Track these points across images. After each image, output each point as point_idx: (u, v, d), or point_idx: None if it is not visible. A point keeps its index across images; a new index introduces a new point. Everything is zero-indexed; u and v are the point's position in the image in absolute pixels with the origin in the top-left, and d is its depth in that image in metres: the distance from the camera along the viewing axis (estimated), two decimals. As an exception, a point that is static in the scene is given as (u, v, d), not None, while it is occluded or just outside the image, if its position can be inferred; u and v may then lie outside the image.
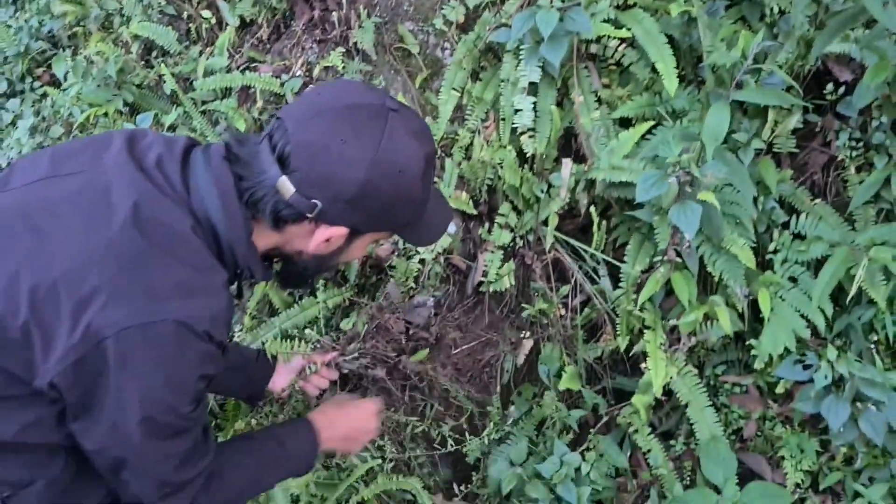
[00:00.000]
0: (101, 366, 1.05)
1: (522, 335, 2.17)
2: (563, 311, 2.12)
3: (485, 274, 2.07)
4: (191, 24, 2.36)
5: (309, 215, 1.15)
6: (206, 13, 2.31)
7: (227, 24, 2.31)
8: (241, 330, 2.05)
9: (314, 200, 1.13)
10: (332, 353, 1.89)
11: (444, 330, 2.17)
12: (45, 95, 2.60)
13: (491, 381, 2.21)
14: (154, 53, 2.40)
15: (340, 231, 1.20)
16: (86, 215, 1.10)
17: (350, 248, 1.29)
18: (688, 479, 1.98)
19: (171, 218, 1.12)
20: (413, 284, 2.10)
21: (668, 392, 2.05)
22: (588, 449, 1.97)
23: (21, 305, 1.05)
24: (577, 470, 1.92)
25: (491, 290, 2.09)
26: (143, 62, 2.38)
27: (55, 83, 2.57)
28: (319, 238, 1.20)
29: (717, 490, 1.83)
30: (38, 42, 2.70)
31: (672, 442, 2.03)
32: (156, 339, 1.06)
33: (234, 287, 1.29)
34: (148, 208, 1.10)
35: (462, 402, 2.13)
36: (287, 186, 1.12)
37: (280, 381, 1.80)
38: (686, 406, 1.92)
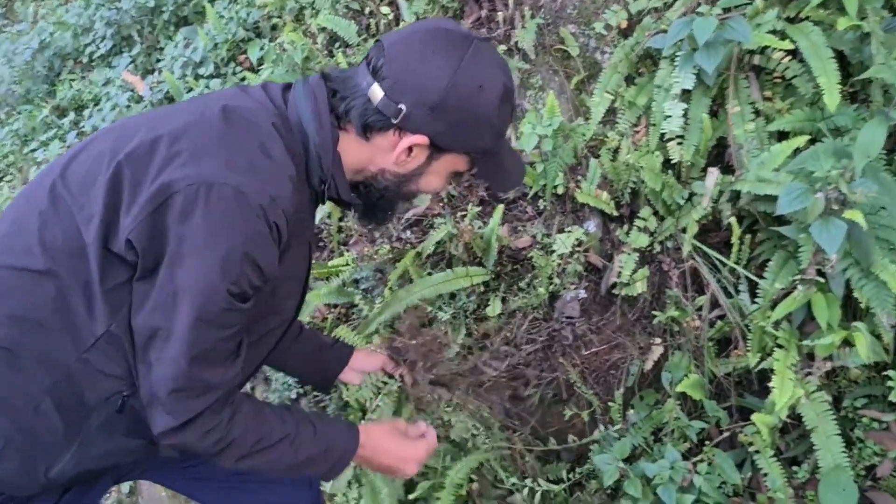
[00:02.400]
0: (167, 219, 1.11)
1: (653, 341, 2.17)
2: (696, 322, 2.10)
3: (619, 275, 2.10)
4: (371, 20, 2.56)
5: (394, 120, 1.22)
6: (386, 10, 2.51)
7: (402, 21, 2.49)
8: (380, 302, 2.21)
9: (400, 105, 1.21)
10: (402, 368, 1.84)
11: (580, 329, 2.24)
12: (243, 79, 2.91)
13: (615, 383, 2.23)
14: (337, 44, 2.63)
15: (422, 139, 1.25)
16: (187, 112, 1.24)
17: (429, 171, 1.34)
18: (808, 509, 1.90)
19: (255, 116, 1.23)
20: (557, 280, 2.16)
21: (798, 417, 1.99)
22: (702, 461, 1.94)
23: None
24: (690, 483, 1.91)
25: (624, 293, 2.12)
26: (326, 52, 2.62)
27: (253, 68, 2.89)
28: (403, 146, 1.26)
29: (836, 523, 1.75)
30: (244, 31, 3.04)
31: (795, 468, 1.95)
32: (215, 199, 1.11)
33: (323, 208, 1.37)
34: (235, 107, 1.23)
35: (588, 396, 2.17)
36: (377, 92, 1.22)
37: (352, 377, 1.80)
38: (811, 432, 1.85)
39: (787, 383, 1.82)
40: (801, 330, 1.97)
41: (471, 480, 2.21)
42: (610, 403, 2.12)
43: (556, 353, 2.21)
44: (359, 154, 1.31)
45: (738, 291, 2.05)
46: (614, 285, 2.14)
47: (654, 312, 2.13)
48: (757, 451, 1.95)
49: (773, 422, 1.89)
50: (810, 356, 1.94)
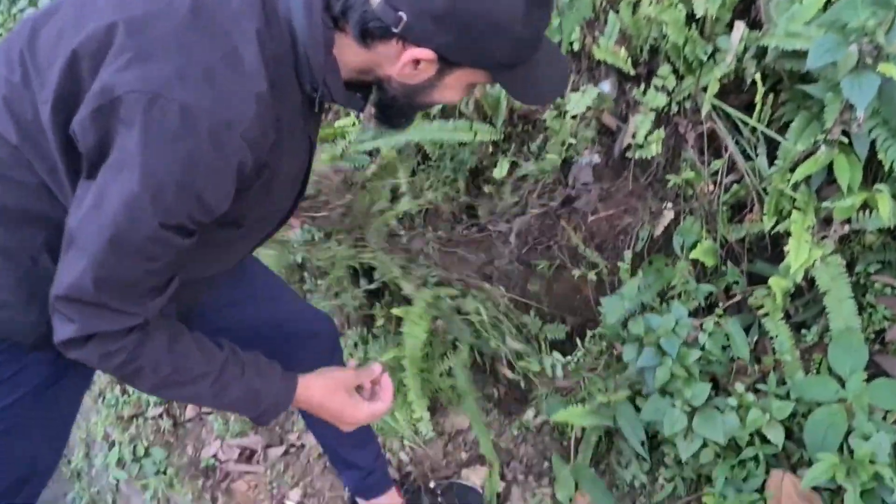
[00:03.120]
0: (111, 122, 1.02)
1: (665, 206, 2.13)
2: (710, 186, 2.05)
3: (633, 136, 2.03)
4: None
5: (395, 30, 1.07)
6: None
7: None
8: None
9: (400, 13, 1.05)
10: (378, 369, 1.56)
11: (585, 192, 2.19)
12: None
13: (623, 249, 2.20)
14: None
15: (427, 54, 1.10)
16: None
17: (441, 85, 1.20)
18: (814, 371, 1.91)
19: (231, 13, 1.07)
20: (572, 140, 2.09)
21: (811, 282, 1.97)
22: (710, 321, 1.94)
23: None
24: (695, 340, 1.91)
25: (638, 155, 2.05)
26: None
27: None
28: (407, 59, 1.11)
29: (842, 383, 1.76)
30: None
31: (804, 332, 1.95)
32: (157, 116, 1.00)
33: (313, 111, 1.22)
34: (213, 1, 1.07)
35: (595, 259, 2.15)
36: None
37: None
38: (824, 295, 1.83)
39: (803, 246, 1.79)
40: (819, 194, 1.92)
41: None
42: (619, 264, 2.10)
43: (565, 219, 2.17)
44: (360, 59, 1.17)
45: (756, 154, 1.98)
46: (627, 148, 2.07)
47: (667, 176, 2.07)
48: (766, 315, 1.95)
49: (788, 285, 1.87)
50: (827, 220, 1.90)
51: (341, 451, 1.99)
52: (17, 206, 1.16)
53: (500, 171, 2.14)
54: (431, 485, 2.28)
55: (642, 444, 1.95)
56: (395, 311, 2.27)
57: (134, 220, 1.04)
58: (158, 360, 1.18)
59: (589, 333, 2.17)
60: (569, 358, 2.20)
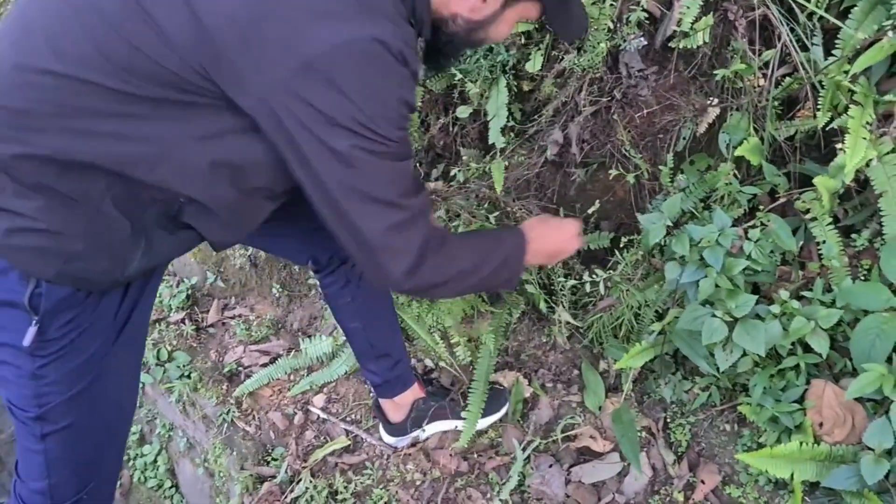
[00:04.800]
0: (312, 85, 1.10)
1: (710, 102, 1.98)
2: (760, 80, 1.90)
3: (678, 24, 1.86)
4: None
5: None
6: None
7: None
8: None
9: None
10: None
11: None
12: None
13: (663, 148, 2.07)
14: None
15: None
16: None
17: (500, 19, 1.36)
18: (863, 277, 1.80)
19: None
20: (613, 25, 1.93)
21: (861, 184, 1.84)
22: (754, 227, 1.82)
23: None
24: (739, 249, 1.80)
25: (682, 45, 1.90)
26: None
27: None
28: None
29: (894, 290, 1.65)
30: None
31: (854, 236, 1.83)
32: (360, 56, 1.10)
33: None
34: None
35: (637, 160, 2.03)
36: None
37: None
38: (880, 196, 1.70)
39: (860, 143, 1.65)
40: (880, 87, 1.77)
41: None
42: (660, 168, 1.98)
43: (619, 115, 2.03)
44: None
45: (812, 44, 1.82)
46: (671, 37, 1.91)
47: (714, 72, 1.92)
48: (813, 219, 1.83)
49: (837, 186, 1.74)
50: (887, 116, 1.75)
51: (374, 336, 1.98)
52: (81, 155, 1.16)
53: (533, 65, 2.00)
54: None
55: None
56: None
57: (388, 146, 1.18)
58: (459, 246, 1.40)
59: (624, 239, 2.07)
60: (609, 272, 2.10)
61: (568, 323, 2.24)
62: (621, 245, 2.07)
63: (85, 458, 1.44)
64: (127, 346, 1.43)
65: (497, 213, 2.24)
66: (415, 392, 2.14)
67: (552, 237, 1.63)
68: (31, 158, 1.15)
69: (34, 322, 1.26)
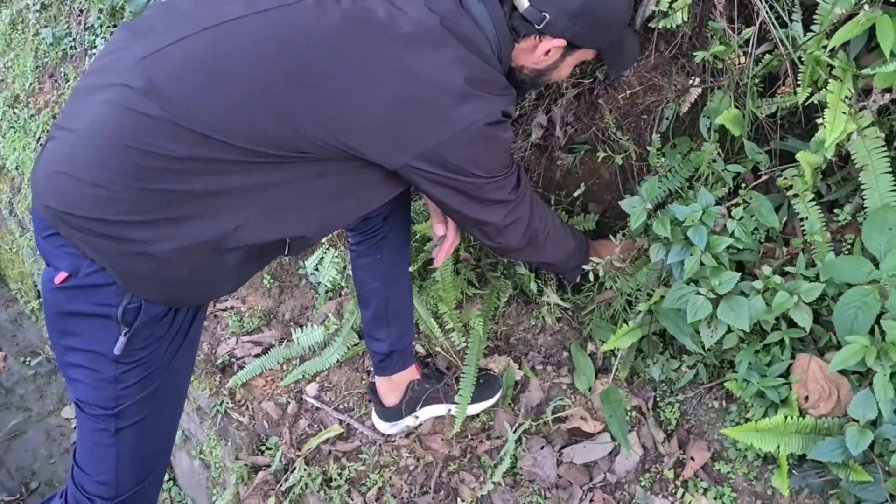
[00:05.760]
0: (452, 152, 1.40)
1: (691, 82, 1.99)
2: (741, 58, 1.90)
3: (657, 3, 1.87)
4: None
5: (538, 27, 1.44)
6: None
7: None
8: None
9: (544, 13, 1.42)
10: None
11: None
12: None
13: (646, 129, 2.08)
14: None
15: (560, 43, 1.49)
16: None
17: (562, 65, 1.59)
18: (846, 251, 1.81)
19: (467, 29, 1.40)
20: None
21: (843, 159, 1.85)
22: (737, 205, 1.83)
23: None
24: (723, 228, 1.81)
25: (661, 25, 1.90)
26: None
27: None
28: (542, 49, 1.49)
29: (876, 263, 1.66)
30: None
31: (836, 211, 1.84)
32: (493, 135, 1.43)
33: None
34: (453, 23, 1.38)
35: (624, 142, 2.04)
36: (522, 2, 1.43)
37: (439, 228, 1.87)
38: (861, 170, 1.71)
39: (839, 118, 1.65)
40: (859, 62, 1.78)
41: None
42: (648, 148, 1.98)
43: (603, 98, 2.04)
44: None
45: (791, 20, 1.82)
46: (651, 17, 1.92)
47: (694, 53, 1.92)
48: (796, 195, 1.84)
49: (818, 161, 1.75)
50: (866, 91, 1.76)
51: (395, 293, 2.07)
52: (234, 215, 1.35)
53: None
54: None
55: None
56: (419, 227, 2.20)
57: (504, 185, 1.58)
58: (543, 216, 1.75)
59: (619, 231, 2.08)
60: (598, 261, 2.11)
61: (557, 305, 2.25)
62: (614, 235, 2.07)
63: (149, 451, 1.56)
64: (189, 347, 1.56)
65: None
66: (412, 373, 2.17)
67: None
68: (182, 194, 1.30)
69: (125, 333, 1.37)
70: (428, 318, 2.33)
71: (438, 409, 2.20)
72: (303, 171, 1.35)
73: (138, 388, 1.45)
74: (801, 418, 1.68)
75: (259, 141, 1.28)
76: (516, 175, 1.60)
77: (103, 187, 1.25)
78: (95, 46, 3.51)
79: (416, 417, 2.19)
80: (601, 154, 2.06)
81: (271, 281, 2.79)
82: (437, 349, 2.33)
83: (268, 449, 2.36)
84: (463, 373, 2.17)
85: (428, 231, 2.22)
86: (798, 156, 1.73)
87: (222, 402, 2.47)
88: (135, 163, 1.25)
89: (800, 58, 1.79)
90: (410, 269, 2.07)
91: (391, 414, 2.18)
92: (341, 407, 2.36)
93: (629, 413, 2.03)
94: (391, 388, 2.15)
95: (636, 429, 2.01)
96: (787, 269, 1.79)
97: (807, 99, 1.76)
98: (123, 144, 1.24)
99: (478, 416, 2.18)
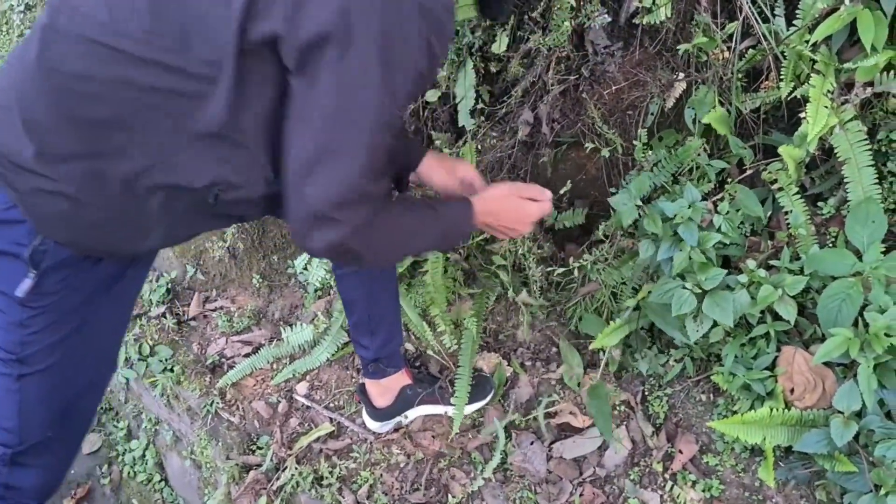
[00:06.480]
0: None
1: (676, 77, 1.99)
2: (724, 53, 1.91)
3: (640, 0, 1.87)
4: None
5: None
6: None
7: None
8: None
9: None
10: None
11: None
12: None
13: (632, 124, 2.09)
14: None
15: None
16: None
17: None
18: (830, 244, 1.83)
19: None
20: (576, 2, 1.94)
21: (827, 153, 1.86)
22: (723, 199, 1.85)
23: None
24: (710, 223, 1.83)
25: (646, 21, 1.90)
26: None
27: None
28: None
29: (859, 256, 1.68)
30: None
31: (820, 204, 1.86)
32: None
33: None
34: None
35: (610, 136, 2.04)
36: None
37: (438, 178, 1.69)
38: (843, 164, 1.73)
39: (822, 112, 1.67)
40: (841, 56, 1.79)
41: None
42: (635, 143, 1.99)
43: (582, 93, 2.04)
44: None
45: (773, 15, 1.84)
46: (635, 13, 1.92)
47: (678, 47, 1.93)
48: (780, 189, 1.85)
49: (801, 155, 1.76)
50: (848, 85, 1.77)
51: (380, 301, 1.99)
52: (139, 128, 1.16)
53: (499, 46, 2.00)
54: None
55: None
56: None
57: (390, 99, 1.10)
58: (393, 229, 1.28)
59: (602, 226, 2.09)
60: (584, 260, 2.12)
61: (541, 306, 2.26)
62: (598, 229, 2.08)
63: (57, 404, 1.48)
64: (113, 305, 1.46)
65: (471, 196, 2.26)
66: (402, 378, 2.15)
67: (507, 217, 1.54)
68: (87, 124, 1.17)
69: (32, 276, 1.29)
70: (419, 322, 2.33)
71: (432, 409, 2.20)
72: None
73: (45, 335, 1.38)
74: (786, 410, 1.69)
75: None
76: None
77: (18, 115, 1.18)
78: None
79: (406, 416, 2.20)
80: (587, 150, 2.07)
81: (260, 280, 2.79)
82: (429, 352, 2.33)
83: (259, 448, 2.35)
84: (458, 374, 2.17)
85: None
86: (781, 150, 1.75)
87: (213, 402, 2.47)
88: (47, 87, 1.16)
89: (783, 52, 1.81)
90: (399, 268, 2.06)
91: (382, 415, 2.18)
92: (332, 405, 2.37)
93: (618, 407, 2.04)
94: (381, 391, 2.15)
95: (625, 423, 2.02)
96: (773, 262, 1.80)
97: (790, 93, 1.78)
98: (37, 67, 1.16)
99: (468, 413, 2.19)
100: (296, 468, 2.20)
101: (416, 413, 2.20)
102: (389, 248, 1.32)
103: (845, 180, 1.73)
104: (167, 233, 1.35)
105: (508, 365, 2.24)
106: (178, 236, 1.44)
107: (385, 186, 1.26)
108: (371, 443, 2.22)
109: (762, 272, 1.72)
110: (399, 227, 1.31)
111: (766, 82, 1.88)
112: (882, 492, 1.53)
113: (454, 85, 2.10)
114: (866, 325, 1.61)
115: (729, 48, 1.90)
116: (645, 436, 1.99)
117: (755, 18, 1.83)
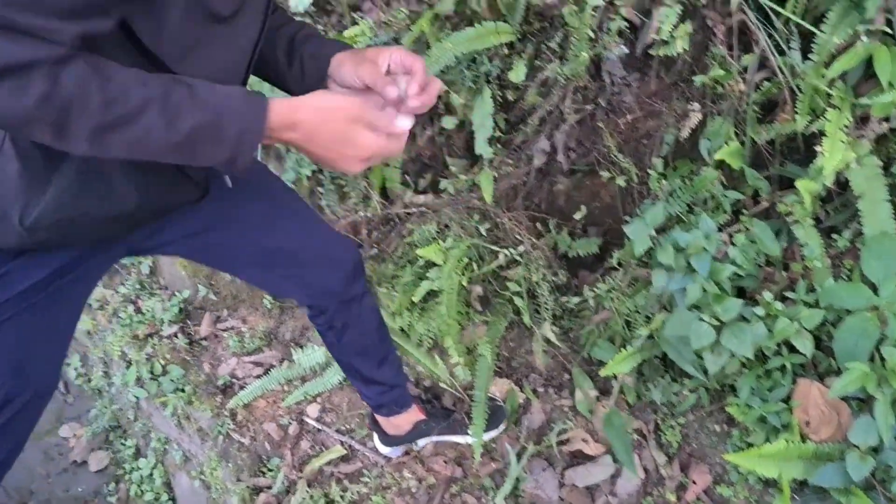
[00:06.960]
0: None
1: (691, 107, 2.01)
2: (740, 85, 1.93)
3: (658, 32, 1.89)
4: None
5: None
6: None
7: None
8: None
9: None
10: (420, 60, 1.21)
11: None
12: None
13: (647, 154, 2.10)
14: None
15: None
16: None
17: None
18: (845, 276, 1.83)
19: None
20: (594, 34, 1.95)
21: (842, 185, 1.87)
22: (738, 231, 1.85)
23: None
24: (724, 255, 1.84)
25: (662, 53, 1.92)
26: None
27: None
28: None
29: (875, 289, 1.68)
30: None
31: (835, 237, 1.86)
32: None
33: None
34: None
35: (625, 165, 2.06)
36: None
37: (345, 75, 1.24)
38: (859, 198, 1.74)
39: (838, 146, 1.68)
40: (857, 90, 1.80)
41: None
42: (650, 172, 2.00)
43: (603, 122, 2.05)
44: None
45: (789, 48, 1.85)
46: (651, 45, 1.94)
47: (694, 78, 1.95)
48: (796, 221, 1.86)
49: (817, 188, 1.77)
50: (864, 119, 1.78)
51: (363, 369, 1.92)
52: None
53: (517, 75, 2.02)
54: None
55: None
56: (421, 251, 2.20)
57: None
58: (87, 87, 0.89)
59: (616, 254, 2.10)
60: (597, 289, 2.13)
61: (553, 335, 2.26)
62: (612, 256, 2.09)
63: None
64: (39, 314, 1.32)
65: (487, 225, 2.27)
66: (414, 414, 2.12)
67: (324, 140, 1.06)
68: None
69: None
70: (429, 360, 2.33)
71: (445, 439, 2.20)
72: None
73: None
74: (802, 443, 1.69)
75: None
76: None
77: None
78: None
79: (416, 444, 2.19)
80: (602, 178, 2.08)
81: (271, 301, 2.79)
82: (441, 384, 2.33)
83: (269, 470, 2.36)
84: (474, 402, 2.17)
85: (430, 255, 2.24)
86: (798, 184, 1.76)
87: (223, 423, 2.47)
88: None
89: (798, 86, 1.82)
90: (414, 298, 2.05)
91: (394, 441, 2.17)
92: (343, 428, 2.37)
93: (630, 435, 2.04)
94: (393, 427, 2.14)
95: (637, 451, 2.02)
96: (788, 294, 1.81)
97: (806, 127, 1.79)
98: None
99: (480, 438, 2.19)
100: (307, 491, 2.20)
101: (427, 441, 2.20)
102: (98, 120, 0.91)
103: (861, 214, 1.74)
104: (56, 205, 1.16)
105: (521, 391, 2.25)
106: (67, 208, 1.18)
107: (60, 34, 0.87)
108: (382, 467, 2.22)
109: (779, 304, 1.73)
110: (114, 93, 0.91)
111: (782, 114, 1.89)
112: (899, 528, 1.53)
113: (471, 112, 2.12)
114: (883, 360, 1.62)
115: (744, 80, 1.92)
116: (658, 465, 1.99)
117: (771, 51, 1.85)
